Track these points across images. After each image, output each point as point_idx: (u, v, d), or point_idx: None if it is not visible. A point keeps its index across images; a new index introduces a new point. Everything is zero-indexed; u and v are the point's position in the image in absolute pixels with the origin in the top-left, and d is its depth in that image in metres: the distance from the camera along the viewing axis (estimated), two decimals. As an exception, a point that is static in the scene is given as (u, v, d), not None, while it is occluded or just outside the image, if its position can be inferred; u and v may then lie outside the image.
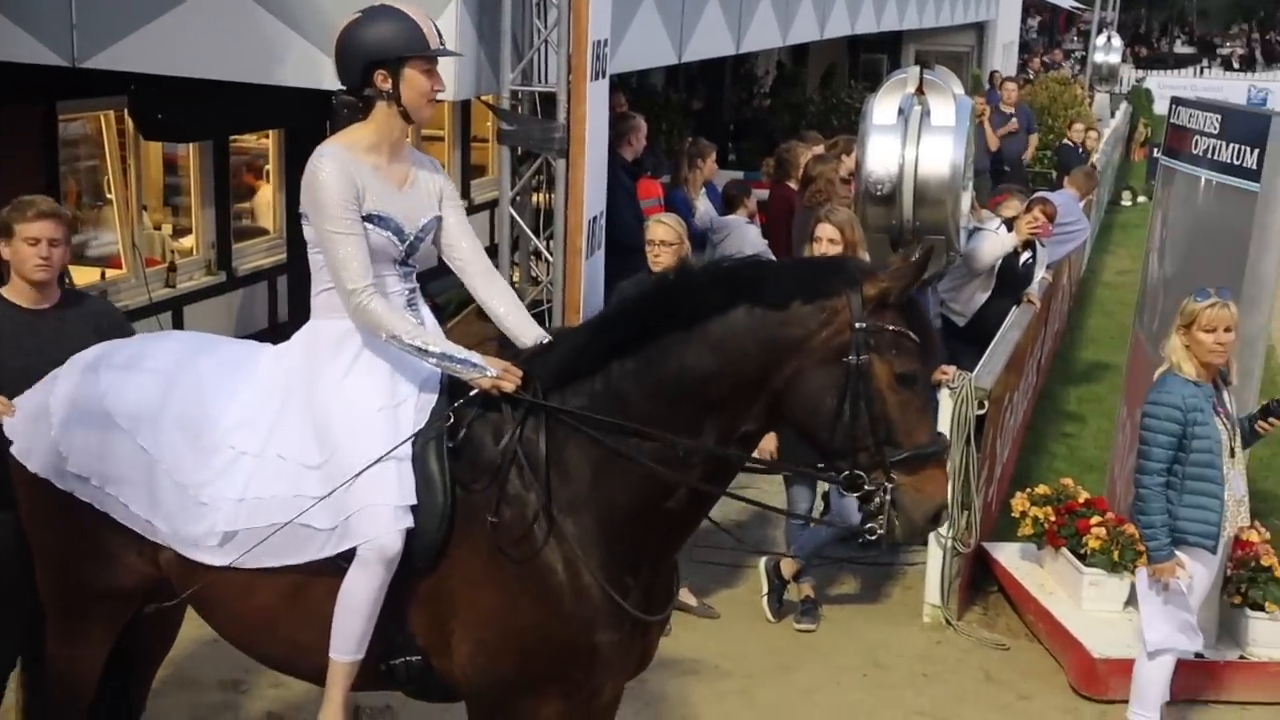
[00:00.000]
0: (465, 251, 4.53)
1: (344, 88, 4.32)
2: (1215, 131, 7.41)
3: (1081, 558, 7.39)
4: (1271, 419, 6.38)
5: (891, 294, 3.90)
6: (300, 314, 4.54)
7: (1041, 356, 11.68)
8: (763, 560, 7.64)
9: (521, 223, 8.78)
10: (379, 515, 4.11)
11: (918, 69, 8.82)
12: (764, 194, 11.10)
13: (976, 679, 7.10)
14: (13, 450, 4.68)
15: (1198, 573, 6.15)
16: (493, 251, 9.34)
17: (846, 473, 3.96)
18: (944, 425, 7.10)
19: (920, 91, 8.51)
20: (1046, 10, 46.74)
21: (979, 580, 8.03)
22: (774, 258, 9.26)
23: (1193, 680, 6.72)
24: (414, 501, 4.14)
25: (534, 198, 8.87)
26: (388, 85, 4.23)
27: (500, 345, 4.54)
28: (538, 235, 8.78)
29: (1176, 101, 8.27)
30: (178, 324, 10.22)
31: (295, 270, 10.77)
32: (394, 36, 4.21)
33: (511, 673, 4.18)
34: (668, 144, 15.26)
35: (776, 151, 11.56)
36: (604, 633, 4.15)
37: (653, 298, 4.18)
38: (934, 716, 6.72)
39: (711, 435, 4.05)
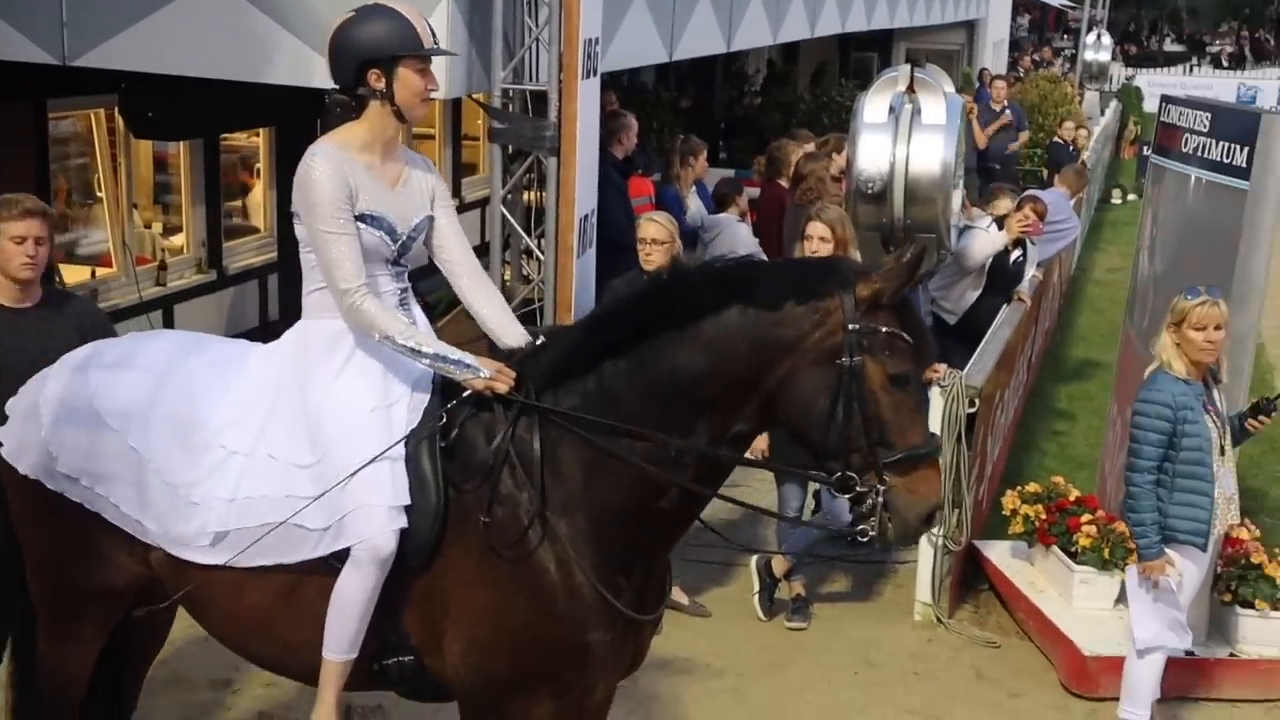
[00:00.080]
0: (454, 253, 4.53)
1: (337, 87, 4.31)
2: (1205, 129, 7.42)
3: (1072, 555, 7.40)
4: (1261, 417, 6.40)
5: (884, 295, 3.90)
6: (291, 312, 4.53)
7: (1032, 354, 11.69)
8: (754, 558, 7.64)
9: (513, 221, 8.78)
10: (373, 516, 4.11)
11: (908, 67, 8.83)
12: (755, 192, 11.10)
13: (967, 677, 7.11)
14: (2, 451, 4.67)
15: (1188, 570, 6.16)
16: (484, 250, 9.36)
17: (839, 474, 3.95)
18: (935, 423, 7.10)
19: (911, 90, 8.52)
20: (1036, 8, 46.78)
21: (970, 578, 8.04)
22: (765, 256, 9.29)
23: (1183, 678, 6.74)
24: (407, 501, 4.14)
25: (525, 196, 8.87)
26: (381, 84, 4.23)
27: (490, 345, 4.54)
28: (529, 233, 8.78)
29: (1166, 99, 8.28)
30: (168, 322, 10.21)
31: (286, 269, 10.76)
32: (387, 35, 4.20)
33: (504, 672, 4.18)
34: (659, 142, 15.27)
35: (767, 149, 11.57)
36: (596, 632, 4.15)
37: (646, 297, 4.18)
38: (925, 714, 6.73)
39: (704, 435, 4.05)
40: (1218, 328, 6.04)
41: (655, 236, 7.09)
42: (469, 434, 4.22)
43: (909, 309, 4.02)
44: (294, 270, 4.50)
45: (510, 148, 8.58)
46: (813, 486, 7.76)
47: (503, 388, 4.17)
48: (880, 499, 3.92)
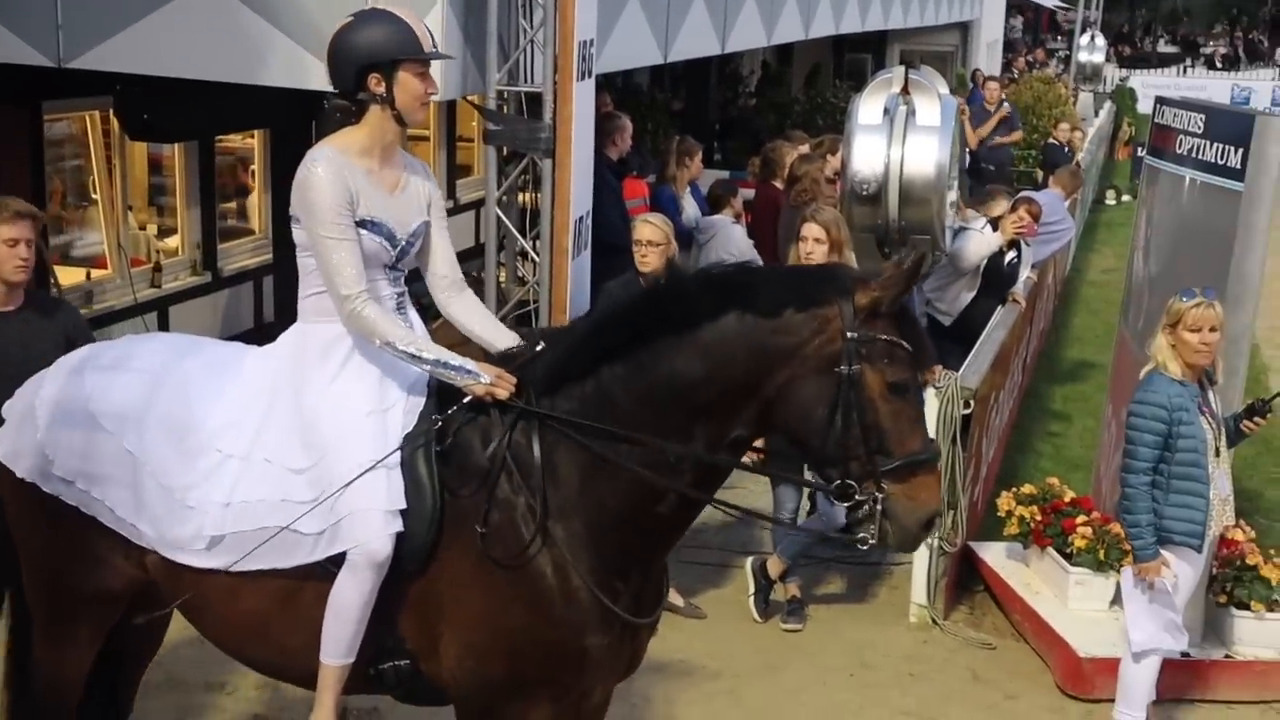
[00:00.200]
0: (440, 266, 4.53)
1: (335, 91, 4.31)
2: (1199, 131, 7.43)
3: (1067, 557, 7.41)
4: (1256, 418, 6.40)
5: (883, 303, 3.90)
6: (286, 315, 4.53)
7: (1027, 355, 11.71)
8: (749, 560, 7.65)
9: (508, 223, 8.78)
10: (368, 520, 4.11)
11: (903, 69, 8.84)
12: (750, 193, 11.10)
13: (963, 678, 7.11)
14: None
15: (1183, 572, 6.16)
16: (479, 251, 9.37)
17: (838, 482, 3.95)
18: (930, 425, 7.11)
19: (905, 91, 8.53)
20: (1030, 9, 46.81)
21: (965, 580, 8.04)
22: (760, 257, 9.30)
23: (1178, 679, 6.74)
24: (403, 506, 4.14)
25: (520, 197, 8.87)
26: (381, 89, 4.23)
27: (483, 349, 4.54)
28: (524, 235, 8.78)
29: (1161, 101, 8.29)
30: (163, 324, 10.20)
31: (281, 271, 10.75)
32: (387, 40, 4.20)
33: (500, 676, 4.17)
34: (653, 144, 15.27)
35: (762, 151, 11.58)
36: (593, 636, 4.15)
37: (644, 303, 4.19)
38: (920, 716, 6.73)
39: (701, 441, 4.04)
40: (1213, 329, 6.05)
41: (651, 238, 7.10)
42: (466, 438, 4.21)
43: (908, 316, 4.02)
44: (289, 272, 4.50)
45: (505, 149, 8.58)
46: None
47: (503, 393, 4.16)
48: (878, 506, 3.92)
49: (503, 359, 4.34)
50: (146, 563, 4.47)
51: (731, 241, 9.68)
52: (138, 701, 5.26)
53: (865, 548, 4.01)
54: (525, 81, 8.36)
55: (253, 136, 11.52)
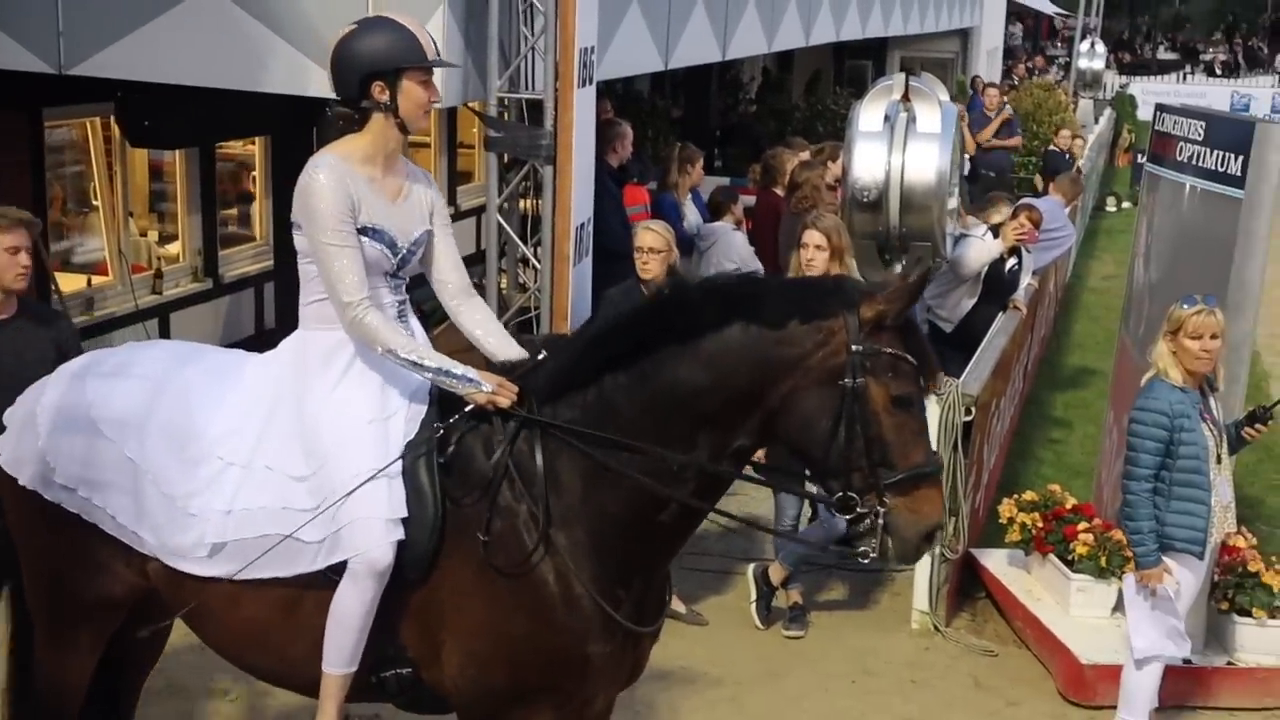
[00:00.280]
0: (447, 273, 4.53)
1: (338, 99, 4.30)
2: (1199, 138, 7.43)
3: (1069, 564, 7.40)
4: (1257, 425, 6.40)
5: (888, 316, 3.89)
6: (287, 321, 4.52)
7: (1028, 362, 11.70)
8: (751, 567, 7.64)
9: (509, 229, 8.78)
10: (370, 528, 4.10)
11: (903, 75, 8.83)
12: (750, 200, 11.10)
13: (965, 685, 7.11)
14: (1, 462, 4.65)
15: (1185, 578, 6.16)
16: (480, 258, 9.36)
17: (839, 495, 3.95)
18: (931, 432, 7.09)
19: (906, 98, 8.53)
20: (1030, 16, 46.86)
21: (967, 586, 8.04)
22: (760, 264, 9.30)
23: (1180, 686, 6.74)
24: (404, 514, 4.13)
25: (521, 204, 8.87)
26: (385, 97, 4.22)
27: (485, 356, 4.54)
28: (525, 242, 8.78)
29: (1161, 108, 8.28)
30: (164, 331, 10.20)
31: (282, 277, 10.75)
32: (391, 47, 4.20)
33: (502, 684, 4.17)
34: (654, 150, 15.27)
35: (763, 158, 11.57)
36: (596, 644, 4.14)
37: (648, 312, 4.19)
38: (922, 723, 6.73)
39: (705, 450, 4.04)
40: (1214, 336, 6.05)
41: (652, 245, 7.10)
42: (468, 447, 4.21)
43: (913, 330, 4.02)
44: (290, 279, 4.50)
45: (506, 156, 8.58)
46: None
47: (505, 402, 4.16)
48: (879, 520, 3.91)
49: (504, 367, 4.34)
50: (148, 570, 4.47)
51: (732, 248, 9.69)
52: (139, 708, 5.25)
53: (866, 561, 4.01)
54: (526, 88, 8.36)
55: (254, 143, 11.53)
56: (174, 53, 7.87)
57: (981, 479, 8.39)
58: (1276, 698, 6.99)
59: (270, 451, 4.28)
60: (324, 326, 4.30)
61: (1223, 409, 6.42)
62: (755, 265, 9.57)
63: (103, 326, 9.58)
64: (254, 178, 11.77)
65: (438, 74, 4.41)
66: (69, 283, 9.38)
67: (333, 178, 4.17)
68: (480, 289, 8.47)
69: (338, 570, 4.14)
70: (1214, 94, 37.83)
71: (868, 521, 3.93)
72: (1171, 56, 53.62)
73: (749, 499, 7.36)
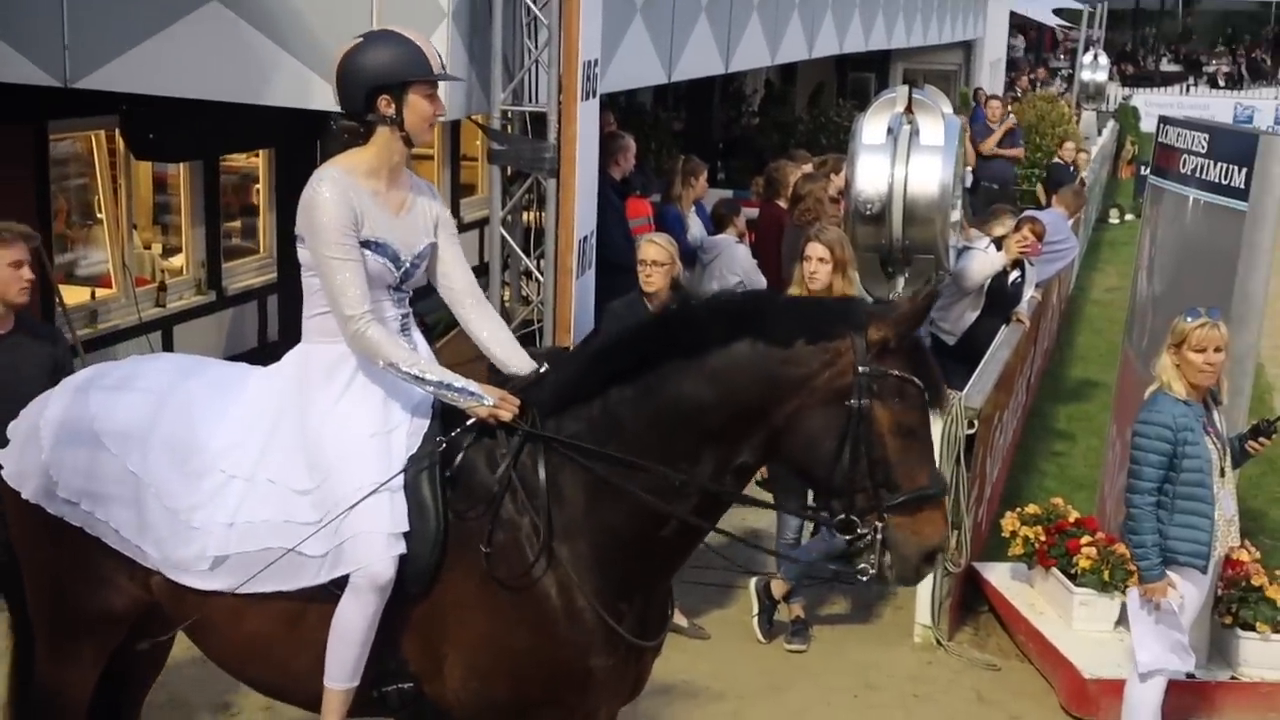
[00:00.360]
0: (457, 281, 4.53)
1: (343, 112, 4.31)
2: (1203, 150, 7.43)
3: (1072, 577, 7.39)
4: (1261, 438, 6.39)
5: (895, 338, 3.90)
6: (291, 334, 4.53)
7: (1031, 375, 11.69)
8: (753, 580, 7.62)
9: (512, 242, 8.80)
10: (371, 542, 4.10)
11: (906, 88, 8.85)
12: (753, 213, 11.12)
13: (968, 699, 7.09)
14: (4, 475, 4.66)
15: (1189, 592, 6.14)
16: (483, 270, 9.36)
17: (841, 516, 3.95)
18: (934, 445, 7.09)
19: (909, 110, 8.54)
20: (1033, 29, 46.89)
21: (970, 600, 8.02)
22: (763, 277, 9.31)
23: (1184, 701, 6.72)
24: (406, 528, 4.13)
25: (524, 217, 8.90)
26: (391, 110, 4.23)
27: (490, 368, 4.54)
28: (528, 254, 8.80)
29: (1164, 120, 8.29)
30: (168, 343, 10.21)
31: (285, 290, 10.76)
32: (396, 61, 4.20)
33: (505, 697, 4.17)
34: (656, 163, 15.30)
35: (766, 170, 11.59)
36: (598, 657, 4.14)
37: (654, 328, 4.19)
38: (925, 737, 6.72)
39: (709, 465, 4.04)
40: (1218, 349, 6.04)
41: (655, 258, 7.10)
42: (470, 461, 4.21)
43: (920, 352, 4.01)
44: (294, 291, 4.50)
45: (509, 169, 8.60)
46: (812, 505, 7.75)
47: (507, 415, 4.16)
48: (879, 537, 3.91)
49: (507, 381, 4.34)
50: (151, 583, 4.47)
51: (735, 261, 9.69)
52: (141, 722, 5.26)
53: (865, 579, 4.00)
54: (530, 101, 8.38)
55: (258, 156, 11.56)
56: (179, 66, 7.89)
57: (984, 492, 8.38)
58: (1280, 712, 6.99)
59: (273, 465, 4.28)
60: (327, 340, 4.30)
61: (1226, 422, 6.41)
62: (758, 278, 9.59)
63: (106, 339, 9.59)
64: (258, 191, 11.80)
65: (442, 87, 4.42)
66: (73, 295, 9.40)
67: (336, 191, 4.18)
68: (483, 302, 8.55)
69: (340, 584, 4.14)
70: (1217, 106, 37.85)
71: (868, 539, 3.93)
72: (1175, 68, 53.60)
73: (751, 513, 7.35)
